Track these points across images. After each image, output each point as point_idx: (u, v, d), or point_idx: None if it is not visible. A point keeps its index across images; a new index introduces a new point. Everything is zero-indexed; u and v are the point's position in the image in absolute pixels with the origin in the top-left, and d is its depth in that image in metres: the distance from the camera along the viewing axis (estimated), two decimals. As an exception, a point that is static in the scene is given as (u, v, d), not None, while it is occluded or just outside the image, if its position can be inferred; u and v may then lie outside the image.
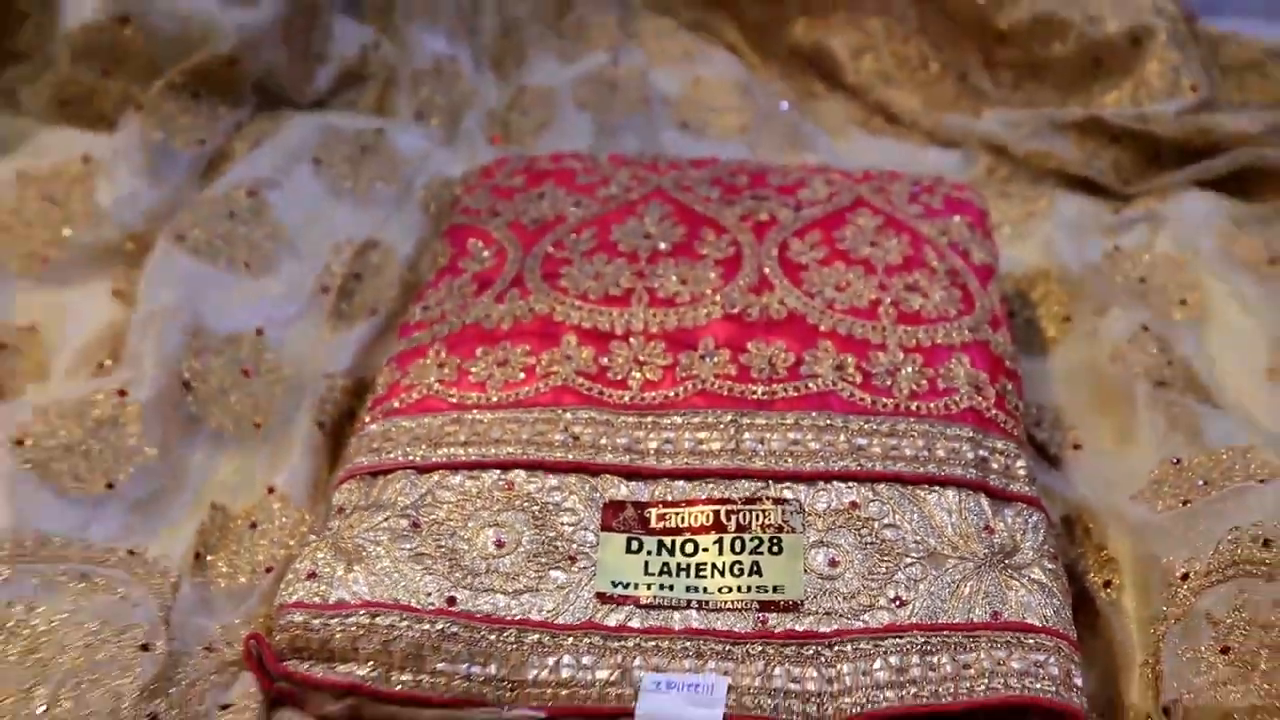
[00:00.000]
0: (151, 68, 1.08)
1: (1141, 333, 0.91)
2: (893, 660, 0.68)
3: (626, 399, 0.80)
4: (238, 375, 0.91)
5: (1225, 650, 0.68)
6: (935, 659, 0.68)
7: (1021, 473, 0.78)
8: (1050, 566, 0.73)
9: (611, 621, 0.70)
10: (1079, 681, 0.68)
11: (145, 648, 0.69)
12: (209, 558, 0.80)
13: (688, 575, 0.72)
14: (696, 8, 1.37)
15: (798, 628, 0.69)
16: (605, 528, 0.74)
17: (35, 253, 0.96)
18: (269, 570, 0.79)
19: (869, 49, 1.30)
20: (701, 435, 0.78)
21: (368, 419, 0.83)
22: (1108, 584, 0.79)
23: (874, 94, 1.28)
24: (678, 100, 1.25)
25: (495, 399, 0.81)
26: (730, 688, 0.67)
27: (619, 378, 0.82)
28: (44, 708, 0.65)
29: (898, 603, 0.70)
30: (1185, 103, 1.16)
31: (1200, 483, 0.79)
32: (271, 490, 0.84)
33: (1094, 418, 0.89)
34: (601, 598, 0.71)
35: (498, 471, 0.77)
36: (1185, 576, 0.73)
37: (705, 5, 1.37)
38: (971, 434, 0.78)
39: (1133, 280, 0.98)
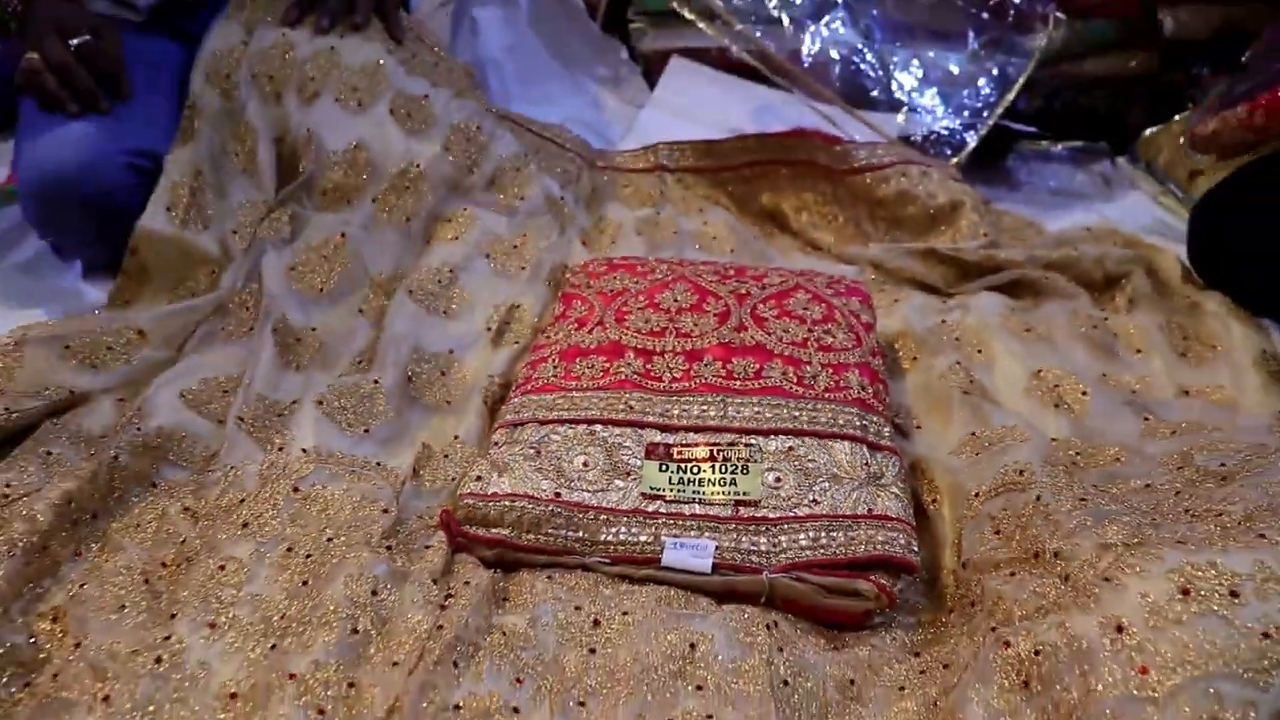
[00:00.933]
0: (374, 170, 1.08)
1: (956, 365, 0.92)
2: (810, 534, 0.69)
3: (661, 388, 0.81)
4: (439, 375, 0.93)
5: (997, 531, 0.69)
6: (835, 534, 0.69)
7: (887, 434, 0.79)
8: (902, 485, 0.74)
9: (650, 509, 0.72)
10: (916, 549, 0.69)
11: (385, 511, 0.72)
12: (421, 471, 0.81)
13: (694, 485, 0.73)
14: (704, 186, 1.36)
15: (756, 515, 0.71)
16: (647, 457, 0.75)
17: (315, 286, 0.99)
18: (453, 479, 0.81)
19: (805, 209, 1.30)
20: (704, 408, 0.79)
21: (513, 396, 0.84)
22: (934, 500, 0.80)
23: (807, 234, 1.29)
24: (694, 233, 1.24)
25: (585, 386, 0.82)
26: (717, 547, 0.69)
27: (657, 376, 0.83)
28: (329, 539, 0.68)
29: (814, 503, 0.71)
30: (982, 243, 1.16)
31: (987, 444, 0.80)
32: (456, 438, 0.86)
33: (929, 411, 0.90)
34: (644, 496, 0.73)
35: (586, 425, 0.78)
36: (977, 494, 0.74)
37: (709, 185, 1.36)
38: (859, 412, 0.79)
39: (952, 339, 0.98)
